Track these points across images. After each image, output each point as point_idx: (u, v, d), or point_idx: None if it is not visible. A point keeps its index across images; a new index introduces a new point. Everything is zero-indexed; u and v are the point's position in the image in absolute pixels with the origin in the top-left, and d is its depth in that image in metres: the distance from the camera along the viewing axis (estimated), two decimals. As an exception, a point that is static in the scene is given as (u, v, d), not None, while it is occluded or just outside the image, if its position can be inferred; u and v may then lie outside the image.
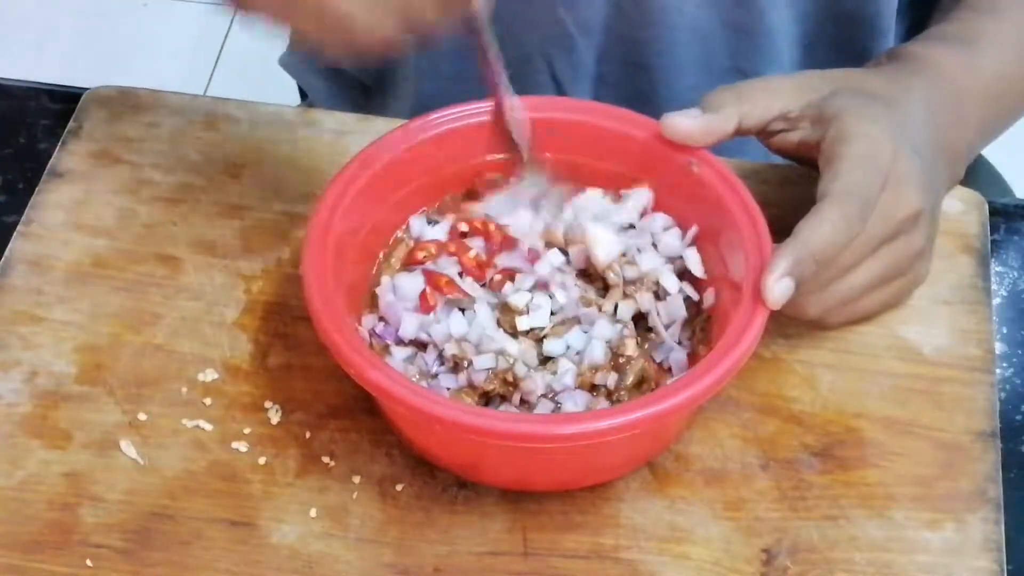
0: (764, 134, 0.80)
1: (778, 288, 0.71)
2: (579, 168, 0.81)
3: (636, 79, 0.98)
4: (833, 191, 0.73)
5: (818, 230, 0.72)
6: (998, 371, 0.81)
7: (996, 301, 0.85)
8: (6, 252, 0.84)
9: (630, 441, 0.71)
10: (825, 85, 0.80)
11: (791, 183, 0.84)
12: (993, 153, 1.04)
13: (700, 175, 0.78)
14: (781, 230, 0.73)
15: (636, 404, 0.69)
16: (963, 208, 0.87)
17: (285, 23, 0.72)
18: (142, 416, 0.77)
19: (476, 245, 0.80)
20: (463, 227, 0.81)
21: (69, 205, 0.86)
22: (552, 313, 0.76)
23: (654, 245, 0.79)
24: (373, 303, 0.78)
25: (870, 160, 0.74)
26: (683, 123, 0.78)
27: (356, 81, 1.09)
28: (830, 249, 0.72)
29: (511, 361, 0.74)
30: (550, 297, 0.77)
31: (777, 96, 0.80)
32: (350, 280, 0.76)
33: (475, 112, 0.80)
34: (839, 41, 0.97)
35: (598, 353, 0.75)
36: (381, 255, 0.80)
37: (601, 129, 0.80)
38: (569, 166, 0.81)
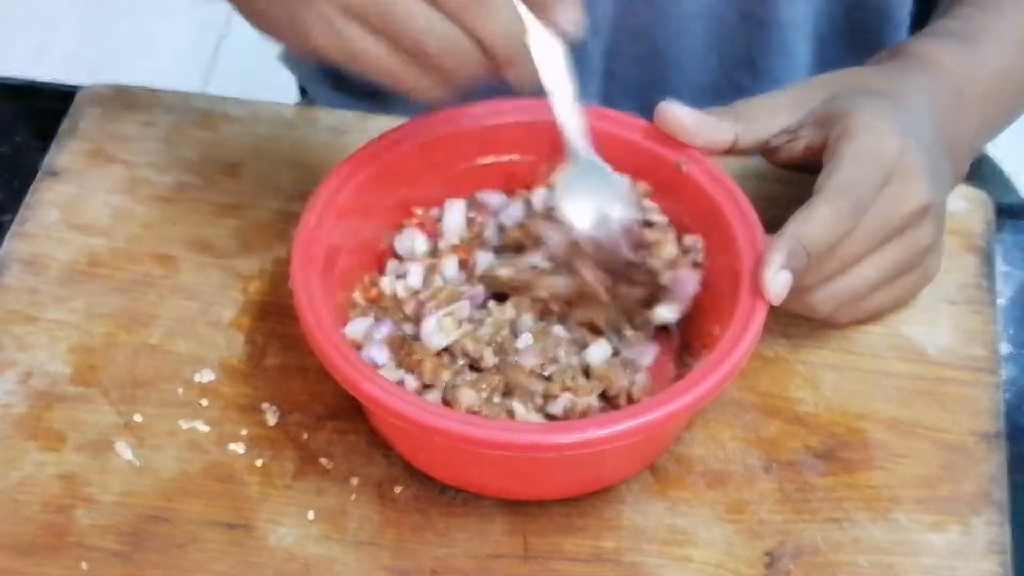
0: (768, 151, 0.80)
1: (777, 281, 0.71)
2: None
3: (646, 72, 0.98)
4: (827, 186, 0.73)
5: (806, 224, 0.72)
6: (1003, 372, 0.81)
7: (1002, 302, 0.85)
8: (0, 251, 0.83)
9: (632, 446, 0.70)
10: (821, 93, 0.80)
11: (791, 183, 0.83)
12: (998, 151, 1.04)
13: (690, 174, 0.77)
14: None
15: (639, 409, 0.68)
16: (968, 207, 0.87)
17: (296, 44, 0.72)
18: (138, 417, 0.76)
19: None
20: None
21: (64, 204, 0.85)
22: None
23: None
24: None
25: (871, 155, 0.74)
26: (677, 111, 0.78)
27: (357, 79, 1.08)
28: (820, 243, 0.72)
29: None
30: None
31: (775, 113, 0.80)
32: (340, 287, 0.76)
33: (466, 115, 0.79)
34: (852, 30, 0.97)
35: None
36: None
37: (591, 130, 0.80)
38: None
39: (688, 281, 0.76)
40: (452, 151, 0.80)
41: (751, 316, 0.71)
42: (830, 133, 0.76)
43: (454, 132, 0.80)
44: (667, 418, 0.68)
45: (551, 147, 0.80)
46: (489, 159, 0.81)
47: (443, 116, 0.79)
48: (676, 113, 0.78)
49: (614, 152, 0.79)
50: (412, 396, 0.70)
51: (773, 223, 0.74)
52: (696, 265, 0.77)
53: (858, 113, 0.76)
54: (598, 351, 0.76)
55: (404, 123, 0.80)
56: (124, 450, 0.75)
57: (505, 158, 0.81)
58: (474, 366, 0.75)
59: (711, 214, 0.76)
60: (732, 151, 0.79)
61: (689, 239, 0.78)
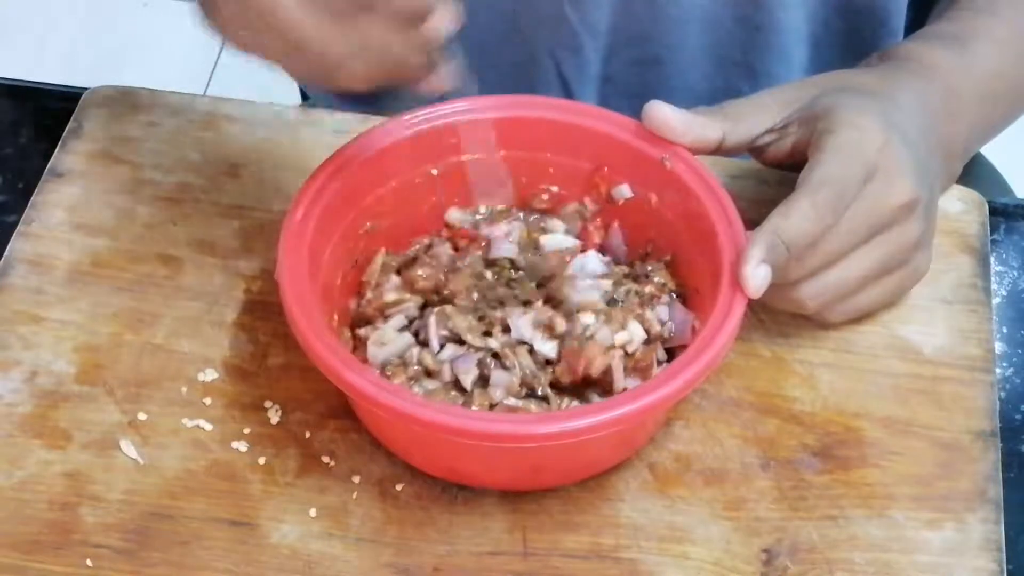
0: (755, 151, 0.80)
1: (756, 276, 0.71)
2: (555, 165, 0.81)
3: (644, 76, 0.98)
4: (807, 180, 0.74)
5: (787, 218, 0.72)
6: (998, 371, 0.81)
7: (996, 301, 0.85)
8: (6, 252, 0.84)
9: (611, 437, 0.71)
10: (809, 92, 0.80)
11: (790, 184, 0.84)
12: (993, 152, 1.04)
13: (673, 170, 0.78)
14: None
15: (616, 401, 0.69)
16: (963, 208, 0.87)
17: (260, 56, 0.72)
18: (142, 416, 0.77)
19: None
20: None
21: (69, 205, 0.86)
22: None
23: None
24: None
25: (852, 150, 0.75)
26: (666, 111, 0.78)
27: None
28: (800, 237, 0.72)
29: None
30: None
31: (763, 113, 0.80)
32: (326, 281, 0.76)
33: (449, 112, 0.80)
34: (849, 35, 0.97)
35: None
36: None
37: (576, 126, 0.80)
38: (544, 164, 0.81)
39: (682, 318, 0.77)
40: (436, 147, 0.80)
41: (730, 310, 0.71)
42: (814, 129, 0.76)
43: (441, 127, 0.80)
44: (645, 410, 0.68)
45: (526, 141, 0.81)
46: (466, 157, 0.81)
47: (427, 113, 0.79)
48: (663, 112, 0.78)
49: (600, 148, 0.80)
50: (393, 386, 0.71)
51: (770, 224, 0.75)
52: (667, 265, 0.79)
53: (841, 109, 0.76)
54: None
55: (385, 121, 0.79)
56: (129, 448, 0.76)
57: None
58: (429, 373, 0.75)
59: (693, 210, 0.77)
60: (719, 151, 0.79)
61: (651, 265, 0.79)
